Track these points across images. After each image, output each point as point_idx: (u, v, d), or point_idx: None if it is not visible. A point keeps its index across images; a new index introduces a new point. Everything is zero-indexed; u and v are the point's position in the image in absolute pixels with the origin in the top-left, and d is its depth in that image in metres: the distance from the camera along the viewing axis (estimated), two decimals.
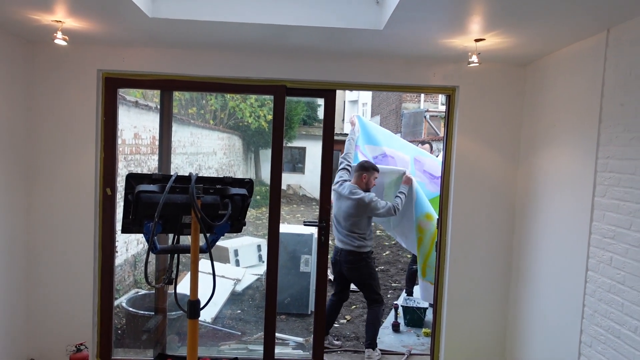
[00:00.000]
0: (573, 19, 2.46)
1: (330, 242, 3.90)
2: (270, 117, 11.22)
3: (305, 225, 4.22)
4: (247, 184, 2.23)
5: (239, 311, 5.36)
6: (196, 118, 9.96)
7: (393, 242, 9.63)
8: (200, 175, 2.16)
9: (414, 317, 4.84)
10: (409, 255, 8.23)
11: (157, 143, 6.46)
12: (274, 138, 3.59)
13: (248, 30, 2.91)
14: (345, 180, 4.22)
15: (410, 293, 5.46)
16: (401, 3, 2.30)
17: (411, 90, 3.69)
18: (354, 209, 4.05)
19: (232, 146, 11.94)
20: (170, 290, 4.36)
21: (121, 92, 3.62)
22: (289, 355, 4.08)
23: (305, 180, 15.97)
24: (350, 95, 24.07)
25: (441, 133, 12.38)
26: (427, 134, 12.79)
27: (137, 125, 6.03)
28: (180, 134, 7.78)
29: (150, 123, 6.36)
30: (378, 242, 9.74)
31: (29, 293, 3.48)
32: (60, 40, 2.84)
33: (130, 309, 4.26)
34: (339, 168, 4.34)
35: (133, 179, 2.08)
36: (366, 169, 4.15)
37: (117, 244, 3.70)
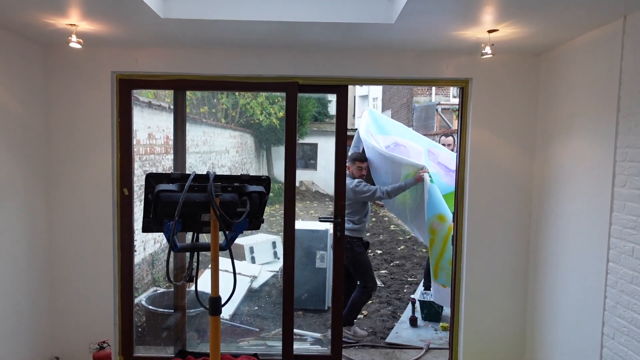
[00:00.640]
0: (588, 7, 2.42)
1: None
2: (281, 114, 11.25)
3: (320, 221, 4.22)
4: (264, 181, 2.25)
5: (256, 308, 5.40)
6: (208, 117, 10.03)
7: (408, 237, 9.61)
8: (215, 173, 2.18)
9: (431, 312, 4.83)
10: (424, 250, 8.22)
11: (170, 143, 6.53)
12: (287, 135, 3.60)
13: (259, 28, 2.91)
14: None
15: (427, 287, 5.44)
16: None
17: (424, 84, 3.68)
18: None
19: (244, 144, 12.00)
20: (190, 288, 4.42)
21: (134, 93, 3.66)
22: (308, 350, 4.11)
23: (318, 176, 16.00)
24: (360, 90, 23.99)
25: (453, 126, 12.30)
26: (440, 127, 12.71)
27: (150, 125, 6.09)
28: (192, 133, 7.84)
29: (163, 123, 6.43)
30: (392, 237, 9.72)
31: (52, 293, 3.55)
32: (75, 44, 2.88)
33: (150, 307, 4.32)
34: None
35: (152, 179, 2.11)
36: (349, 160, 4.46)
37: (135, 243, 3.75)
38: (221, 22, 2.81)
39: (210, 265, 5.82)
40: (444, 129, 11.93)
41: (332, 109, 19.16)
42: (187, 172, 3.69)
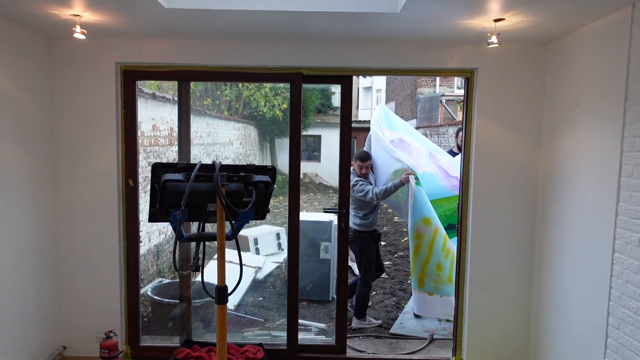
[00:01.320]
0: None
1: None
2: (284, 105, 11.22)
3: (325, 212, 4.24)
4: (270, 171, 2.25)
5: (261, 298, 5.43)
6: (211, 109, 10.02)
7: None
8: (221, 163, 2.18)
9: None
10: None
11: (174, 134, 6.54)
12: (292, 126, 3.59)
13: (263, 17, 2.90)
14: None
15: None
16: None
17: (429, 74, 3.65)
18: None
19: (247, 136, 11.99)
20: (195, 278, 4.45)
21: (139, 84, 3.65)
22: (312, 340, 4.13)
23: (322, 168, 16.00)
24: (364, 81, 23.88)
25: (458, 117, 12.24)
26: (444, 119, 12.66)
27: (154, 117, 6.09)
28: (196, 125, 7.84)
29: (167, 115, 6.42)
30: (396, 229, 9.74)
31: (59, 284, 3.58)
32: (79, 34, 2.87)
33: (156, 297, 4.35)
34: None
35: (158, 168, 2.12)
36: (353, 158, 4.58)
37: (140, 234, 3.77)
38: (225, 12, 2.79)
39: (215, 256, 5.85)
40: (448, 120, 11.88)
41: (336, 101, 19.10)
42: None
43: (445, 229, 4.77)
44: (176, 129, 6.47)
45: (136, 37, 3.40)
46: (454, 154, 5.09)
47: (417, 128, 12.97)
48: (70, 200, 3.53)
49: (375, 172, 4.76)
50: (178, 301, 4.18)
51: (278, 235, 6.78)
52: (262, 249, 6.50)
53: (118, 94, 3.51)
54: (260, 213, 2.30)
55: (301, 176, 3.66)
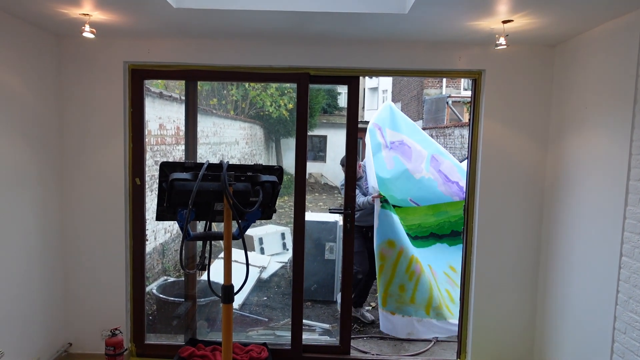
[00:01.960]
0: None
1: None
2: (290, 105, 11.23)
3: (330, 212, 4.24)
4: (277, 171, 2.26)
5: (265, 298, 5.44)
6: (218, 108, 10.04)
7: None
8: (229, 163, 2.19)
9: None
10: None
11: (181, 133, 6.56)
12: (298, 126, 3.59)
13: (271, 18, 2.90)
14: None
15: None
16: None
17: (436, 75, 3.64)
18: None
19: (253, 135, 12.01)
20: (200, 277, 4.46)
21: (146, 83, 3.67)
22: (316, 341, 4.14)
23: (327, 168, 15.99)
24: (370, 82, 23.86)
25: (464, 119, 12.20)
26: (450, 120, 12.63)
27: (161, 116, 6.12)
28: (203, 124, 7.86)
29: (174, 114, 6.45)
30: None
31: (65, 281, 3.60)
32: (88, 33, 2.89)
33: (161, 295, 4.37)
34: None
35: (166, 167, 2.13)
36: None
37: (146, 232, 3.79)
38: (233, 12, 2.80)
39: (220, 255, 5.86)
40: (454, 122, 11.85)
41: (342, 102, 19.09)
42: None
43: (447, 235, 4.73)
44: (182, 128, 6.51)
45: (144, 36, 3.42)
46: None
47: (423, 129, 12.93)
48: (77, 198, 3.55)
49: (366, 172, 4.71)
50: (183, 300, 4.20)
51: (283, 235, 6.79)
52: (267, 248, 6.52)
53: (126, 92, 3.53)
54: (267, 213, 2.30)
55: (307, 176, 3.66)
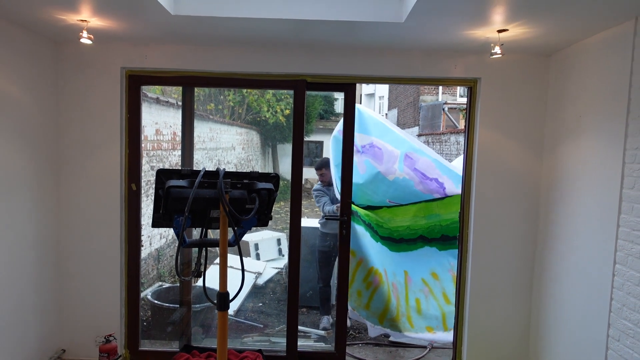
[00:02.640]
0: (599, 7, 2.41)
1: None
2: (287, 111, 11.25)
3: (327, 219, 4.23)
4: (273, 178, 2.27)
5: (261, 304, 5.42)
6: (215, 114, 10.05)
7: None
8: (225, 170, 2.20)
9: None
10: None
11: (177, 139, 6.56)
12: (295, 132, 3.60)
13: (268, 25, 2.92)
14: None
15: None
16: None
17: (432, 83, 3.67)
18: None
19: (250, 141, 12.01)
20: (195, 283, 4.45)
21: (143, 88, 3.68)
22: (312, 347, 4.13)
23: None
24: (366, 88, 23.95)
25: (460, 125, 12.26)
26: (446, 126, 12.69)
27: (158, 121, 6.12)
28: (199, 130, 7.86)
29: (170, 119, 6.45)
30: None
31: (60, 286, 3.58)
32: (85, 40, 2.90)
33: (156, 301, 4.35)
34: None
35: (163, 175, 2.13)
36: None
37: (141, 238, 3.78)
38: (231, 19, 2.82)
39: (215, 262, 5.84)
40: (450, 128, 11.91)
41: (338, 107, 19.14)
42: (194, 168, 3.71)
43: (437, 239, 4.65)
44: (179, 133, 6.51)
45: (142, 42, 3.43)
46: None
47: (419, 135, 12.98)
48: (73, 203, 3.55)
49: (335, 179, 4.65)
50: (178, 306, 4.18)
51: (279, 241, 6.78)
52: (263, 254, 6.50)
53: (123, 98, 3.53)
54: (263, 220, 2.31)
55: (303, 182, 3.66)
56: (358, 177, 4.52)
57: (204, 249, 2.27)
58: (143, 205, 3.77)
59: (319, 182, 4.85)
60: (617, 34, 2.68)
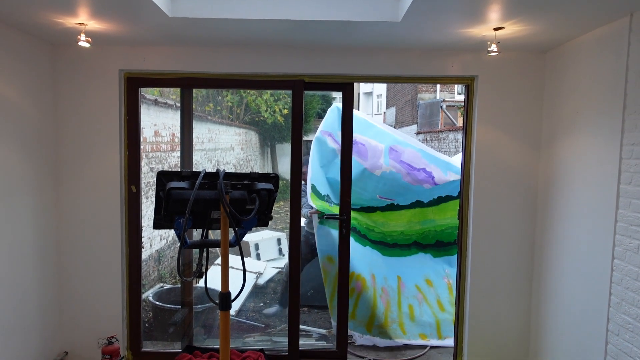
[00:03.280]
0: (595, 4, 2.42)
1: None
2: (285, 111, 11.26)
3: (326, 218, 4.25)
4: (273, 178, 2.28)
5: (262, 304, 5.44)
6: (213, 114, 10.05)
7: None
8: (225, 171, 2.21)
9: None
10: None
11: (176, 140, 6.57)
12: (294, 132, 3.62)
13: (266, 26, 2.93)
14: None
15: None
16: None
17: (429, 81, 3.69)
18: None
19: (248, 141, 12.02)
20: (196, 284, 4.46)
21: (141, 90, 3.69)
22: (313, 346, 4.14)
23: None
24: (364, 87, 23.97)
25: (458, 123, 12.28)
26: (444, 124, 12.71)
27: (157, 123, 6.13)
28: (198, 131, 7.87)
29: (169, 120, 6.46)
30: None
31: (61, 289, 3.59)
32: (84, 42, 2.90)
33: (157, 302, 4.36)
34: None
35: (163, 176, 2.14)
36: None
37: (142, 239, 3.79)
38: (228, 20, 2.83)
39: (216, 262, 5.84)
40: (448, 126, 11.93)
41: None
42: (194, 169, 3.72)
43: (432, 245, 4.60)
44: (178, 134, 6.52)
45: (140, 44, 3.44)
46: None
47: (417, 133, 13.00)
48: (73, 206, 3.56)
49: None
50: (179, 307, 4.19)
51: (279, 241, 6.79)
52: (263, 254, 6.52)
53: (121, 100, 3.54)
54: (263, 220, 2.32)
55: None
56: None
57: (205, 249, 2.29)
58: (143, 207, 3.78)
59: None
60: (612, 31, 2.69)
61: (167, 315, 4.28)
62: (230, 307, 2.18)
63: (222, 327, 2.16)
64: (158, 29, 3.03)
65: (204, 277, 2.32)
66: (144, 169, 5.55)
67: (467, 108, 3.61)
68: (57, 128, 3.52)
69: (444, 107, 12.90)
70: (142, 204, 3.72)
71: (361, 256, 4.28)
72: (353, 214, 4.41)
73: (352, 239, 4.33)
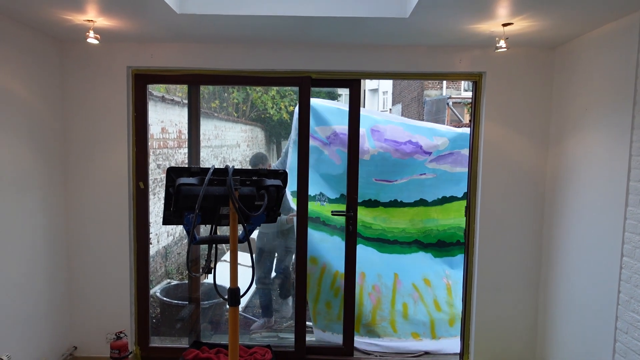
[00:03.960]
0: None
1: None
2: (291, 108, 11.25)
3: (333, 215, 4.24)
4: (282, 175, 2.28)
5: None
6: (219, 111, 10.06)
7: None
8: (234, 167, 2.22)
9: None
10: None
11: (183, 137, 6.59)
12: (300, 128, 3.62)
13: (273, 22, 2.93)
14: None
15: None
16: None
17: (437, 78, 3.67)
18: None
19: (254, 138, 12.03)
20: (204, 280, 4.48)
21: (148, 87, 3.70)
22: (319, 342, 4.15)
23: None
24: (370, 84, 23.90)
25: (464, 120, 12.23)
26: (450, 121, 12.66)
27: (164, 119, 6.15)
28: (204, 127, 7.88)
29: (176, 117, 6.48)
30: None
31: (70, 284, 3.63)
32: (92, 39, 2.92)
33: (165, 298, 4.39)
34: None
35: (173, 172, 2.15)
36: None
37: (149, 235, 3.81)
38: (236, 17, 2.83)
39: (222, 258, 5.85)
40: (454, 123, 11.88)
41: (342, 103, 19.05)
42: (201, 166, 3.73)
43: (433, 245, 4.53)
44: (184, 131, 6.54)
45: (147, 41, 3.45)
46: None
47: None
48: (82, 202, 3.58)
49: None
50: (187, 302, 4.22)
51: None
52: None
53: (129, 97, 3.55)
54: (271, 216, 2.33)
55: None
56: (337, 168, 4.30)
57: (213, 245, 2.30)
58: (151, 203, 3.80)
59: None
60: (622, 26, 2.67)
61: (174, 311, 4.31)
62: (239, 303, 2.19)
63: (231, 322, 2.17)
64: (166, 26, 3.04)
65: (212, 272, 2.33)
66: (151, 165, 5.57)
67: (475, 105, 3.59)
68: (65, 124, 3.54)
69: (450, 103, 12.84)
70: (150, 200, 3.74)
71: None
72: (328, 215, 4.28)
73: (339, 239, 4.25)
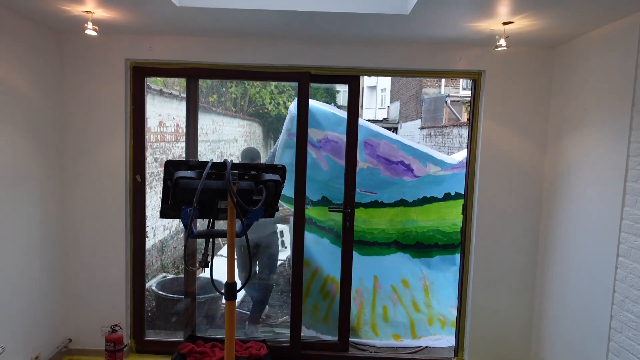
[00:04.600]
0: (605, 0, 2.40)
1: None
2: (289, 103, 11.22)
3: (330, 211, 4.24)
4: (280, 170, 2.28)
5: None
6: (217, 106, 10.03)
7: None
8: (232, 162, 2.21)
9: None
10: None
11: (180, 131, 6.56)
12: (299, 124, 3.61)
13: (273, 17, 2.92)
14: None
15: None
16: None
17: (436, 76, 3.67)
18: None
19: (252, 133, 12.00)
20: (199, 274, 4.47)
21: (146, 80, 3.68)
22: (315, 337, 4.16)
23: None
24: (369, 81, 23.89)
25: (462, 118, 12.25)
26: (449, 119, 12.67)
27: (161, 113, 6.12)
28: (202, 122, 7.84)
29: (173, 111, 6.45)
30: None
31: (66, 277, 3.61)
32: (90, 31, 2.90)
33: (160, 292, 4.39)
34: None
35: (171, 166, 2.15)
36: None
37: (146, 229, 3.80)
38: (235, 10, 2.82)
39: (219, 252, 5.82)
40: (452, 121, 11.89)
41: (340, 100, 19.06)
42: (200, 160, 3.71)
43: (411, 246, 4.50)
44: (182, 125, 6.51)
45: (146, 33, 3.43)
46: None
47: (421, 128, 12.97)
48: (78, 195, 3.57)
49: None
50: (182, 296, 4.22)
51: (281, 233, 6.79)
52: None
53: (127, 90, 3.54)
54: (269, 211, 2.33)
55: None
56: (322, 173, 4.28)
57: (211, 239, 2.29)
58: (148, 197, 3.79)
59: None
60: (621, 27, 2.67)
61: (170, 305, 4.31)
62: (236, 297, 2.19)
63: (228, 316, 2.17)
64: (165, 19, 3.02)
65: (209, 266, 2.32)
66: (148, 159, 5.54)
67: (474, 103, 3.59)
68: (63, 116, 3.52)
69: (449, 102, 12.86)
70: (147, 194, 3.72)
71: (337, 259, 4.13)
72: (332, 216, 4.28)
73: (328, 241, 4.25)
